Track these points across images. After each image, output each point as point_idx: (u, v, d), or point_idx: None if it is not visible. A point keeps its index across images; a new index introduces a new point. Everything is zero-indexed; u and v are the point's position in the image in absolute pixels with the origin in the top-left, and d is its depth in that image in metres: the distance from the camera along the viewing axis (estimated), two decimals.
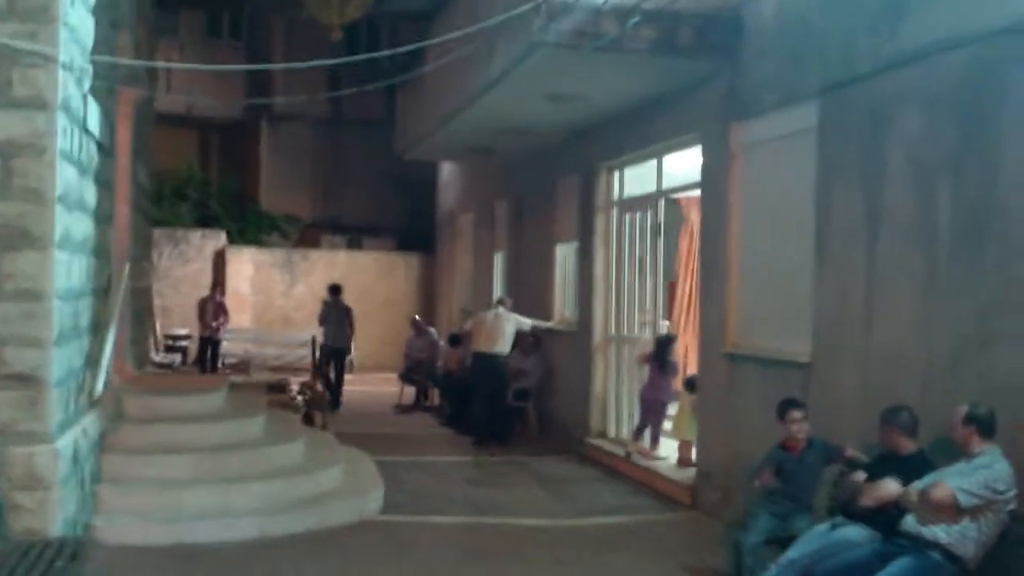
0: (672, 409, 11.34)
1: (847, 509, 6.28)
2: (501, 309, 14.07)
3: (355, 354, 20.37)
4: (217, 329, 19.78)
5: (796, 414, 6.99)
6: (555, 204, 14.74)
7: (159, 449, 8.49)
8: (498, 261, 18.05)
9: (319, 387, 15.63)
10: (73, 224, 7.25)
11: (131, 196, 10.45)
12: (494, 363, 13.69)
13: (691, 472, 10.22)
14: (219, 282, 21.25)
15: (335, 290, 17.99)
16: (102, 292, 8.60)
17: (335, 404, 16.72)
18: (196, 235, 24.43)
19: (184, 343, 22.84)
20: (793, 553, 6.16)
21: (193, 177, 26.43)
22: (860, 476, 6.32)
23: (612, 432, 12.62)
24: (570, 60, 9.54)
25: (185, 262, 24.08)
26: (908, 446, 6.10)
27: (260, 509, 8.26)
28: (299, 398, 15.40)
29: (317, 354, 17.76)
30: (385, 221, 27.33)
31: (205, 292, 20.87)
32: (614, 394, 12.63)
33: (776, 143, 8.92)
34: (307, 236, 27.50)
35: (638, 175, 12.34)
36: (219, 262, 24.30)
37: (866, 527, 6.04)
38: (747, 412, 8.94)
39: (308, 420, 14.55)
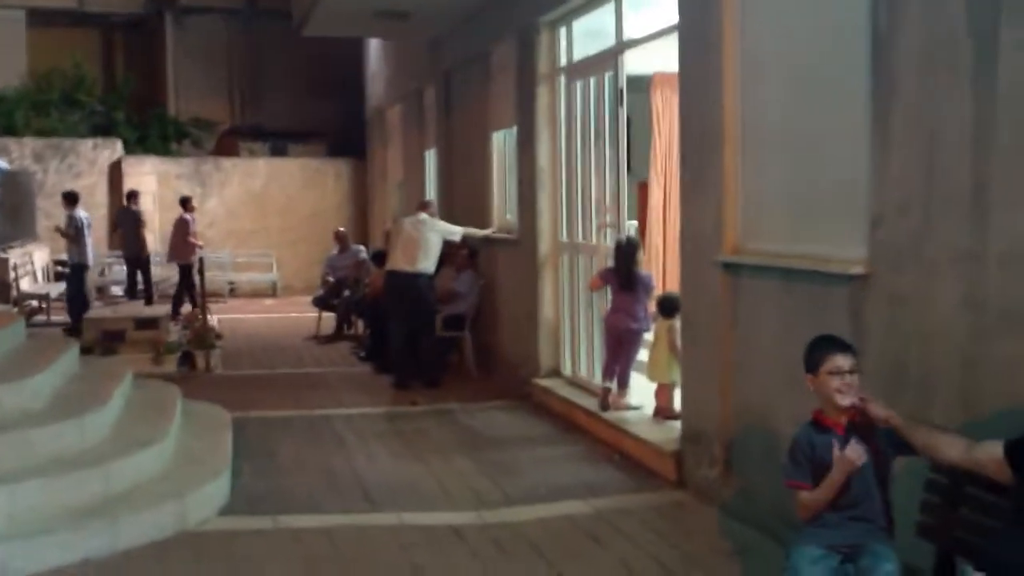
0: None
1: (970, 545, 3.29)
2: (423, 215, 10.98)
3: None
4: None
5: (841, 361, 3.93)
6: (488, 81, 11.64)
7: None
8: (430, 160, 14.93)
9: (204, 319, 12.56)
10: None
11: None
12: (414, 284, 10.62)
13: (674, 430, 7.26)
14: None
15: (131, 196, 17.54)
16: None
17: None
18: (87, 145, 21.08)
19: None
20: None
21: (84, 80, 22.90)
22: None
23: (567, 370, 9.64)
24: None
25: (75, 176, 20.76)
26: None
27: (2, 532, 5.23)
28: (176, 335, 12.39)
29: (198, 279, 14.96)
30: (314, 126, 24.00)
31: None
32: (568, 320, 9.63)
33: None
34: (226, 144, 24.22)
35: (590, 29, 9.20)
36: (116, 175, 21.01)
37: None
38: (758, 348, 5.96)
39: (190, 362, 11.60)
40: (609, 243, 8.56)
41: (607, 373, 8.33)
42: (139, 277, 17.07)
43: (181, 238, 16.88)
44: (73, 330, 13.47)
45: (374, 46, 19.01)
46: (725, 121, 6.35)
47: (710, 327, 6.51)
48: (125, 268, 17.55)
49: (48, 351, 7.41)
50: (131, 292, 17.17)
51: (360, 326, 14.02)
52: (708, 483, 6.43)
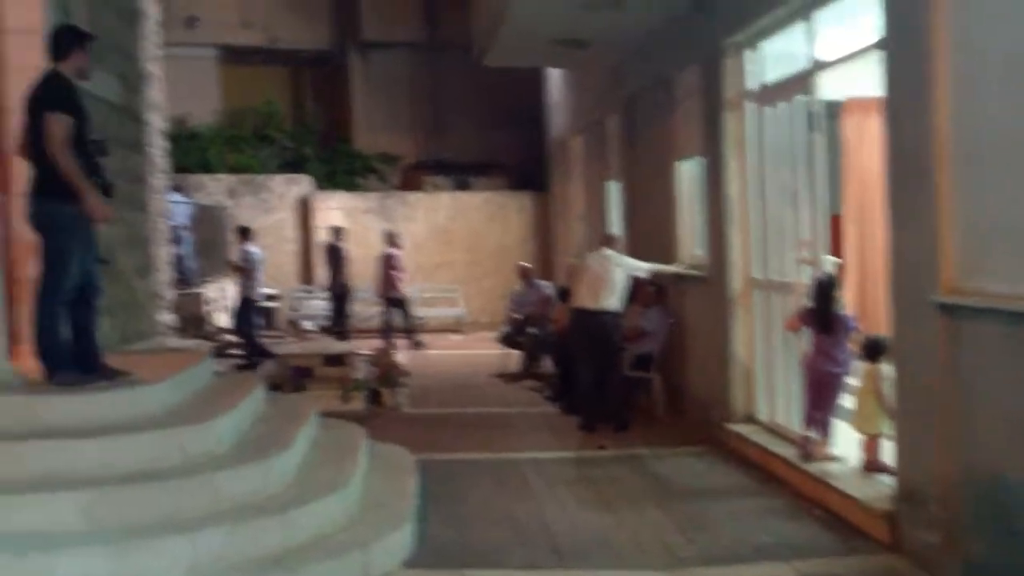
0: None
1: None
2: (607, 251, 10.66)
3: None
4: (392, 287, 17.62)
5: None
6: (673, 108, 11.26)
7: (34, 483, 5.39)
8: (612, 192, 14.63)
9: (392, 356, 12.51)
10: None
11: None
12: (600, 322, 10.31)
13: (885, 486, 6.71)
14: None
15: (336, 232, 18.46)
16: None
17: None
18: (277, 181, 21.62)
19: (272, 304, 20.24)
20: None
21: (274, 116, 23.54)
22: None
23: (763, 415, 9.12)
24: None
25: (267, 211, 21.33)
26: None
27: None
28: (362, 373, 12.38)
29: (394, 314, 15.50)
30: (496, 158, 23.99)
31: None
32: (763, 362, 9.12)
33: None
34: (410, 178, 24.46)
35: (780, 51, 8.75)
36: (305, 210, 21.48)
37: None
38: (984, 398, 5.38)
39: (377, 400, 11.58)
40: (806, 280, 8.06)
41: (808, 420, 7.80)
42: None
43: (388, 272, 17.37)
44: (250, 364, 13.88)
45: (555, 76, 18.90)
46: (938, 142, 5.83)
47: (925, 374, 5.96)
48: (331, 303, 18.29)
49: (235, 391, 7.36)
50: (337, 326, 17.81)
51: (546, 364, 13.77)
52: (927, 549, 5.85)
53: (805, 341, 7.99)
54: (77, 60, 6.36)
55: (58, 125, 6.02)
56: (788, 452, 8.01)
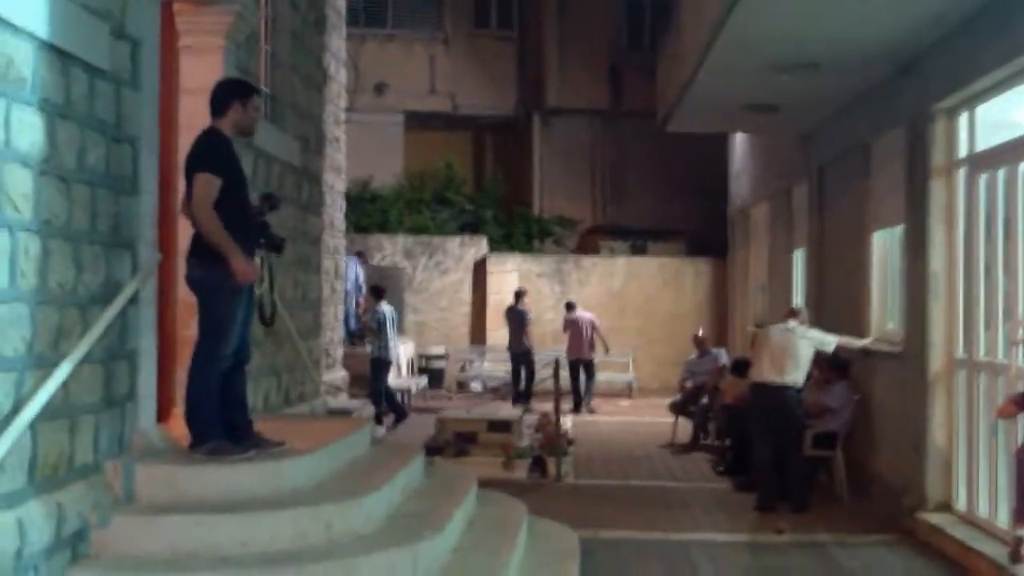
0: None
1: None
2: (792, 323, 10.00)
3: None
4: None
5: None
6: (869, 175, 10.60)
7: (169, 561, 5.06)
8: (797, 261, 13.92)
9: (557, 423, 12.02)
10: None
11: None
12: (781, 397, 9.68)
13: None
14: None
15: (518, 295, 18.19)
16: (95, 298, 5.31)
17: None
18: (454, 243, 21.62)
19: (440, 364, 20.15)
20: None
21: (454, 179, 23.60)
22: None
23: (961, 505, 8.29)
24: None
25: (442, 273, 21.37)
26: None
27: None
28: (526, 440, 11.97)
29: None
30: (674, 224, 23.45)
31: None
32: (964, 447, 8.29)
33: None
34: (587, 242, 24.14)
35: (998, 115, 8.05)
36: (480, 272, 21.33)
37: None
38: None
39: (540, 468, 11.13)
40: (1022, 362, 7.24)
41: (1018, 518, 6.93)
42: (523, 373, 17.81)
43: (586, 337, 17.53)
44: (377, 420, 13.75)
45: (739, 144, 18.35)
46: None
47: None
48: (511, 365, 18.09)
49: (390, 462, 6.95)
50: (516, 387, 17.78)
51: (715, 435, 13.10)
52: None
53: (1019, 429, 7.16)
54: (235, 115, 6.10)
55: (204, 186, 5.76)
56: (992, 550, 7.22)
